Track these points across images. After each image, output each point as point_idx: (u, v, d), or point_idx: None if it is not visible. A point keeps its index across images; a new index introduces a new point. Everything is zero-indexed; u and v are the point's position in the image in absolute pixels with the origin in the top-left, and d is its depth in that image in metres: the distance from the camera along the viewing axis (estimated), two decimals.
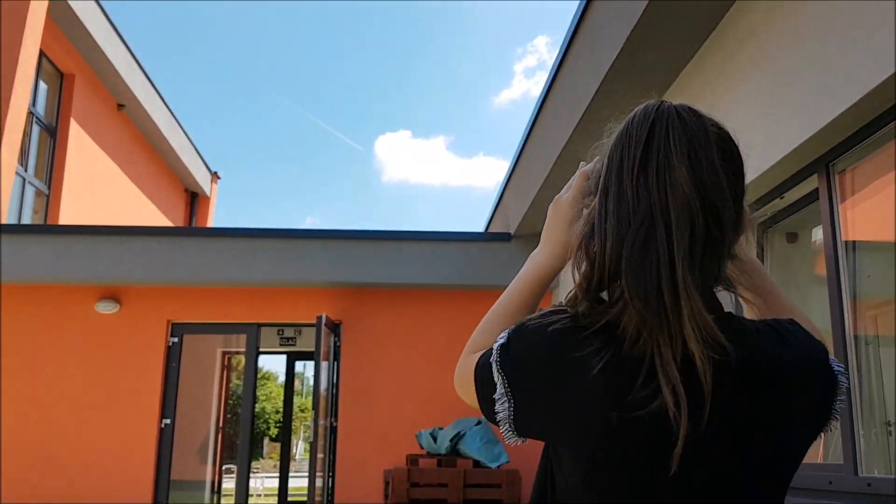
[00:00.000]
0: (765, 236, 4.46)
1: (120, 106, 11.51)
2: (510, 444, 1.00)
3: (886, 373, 3.69)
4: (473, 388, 1.01)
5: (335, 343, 8.59)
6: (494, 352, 0.97)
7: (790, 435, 0.89)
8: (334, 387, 8.48)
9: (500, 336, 0.98)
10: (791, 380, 0.90)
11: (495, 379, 0.96)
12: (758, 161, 3.78)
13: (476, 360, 1.02)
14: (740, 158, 0.96)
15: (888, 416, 3.53)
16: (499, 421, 0.96)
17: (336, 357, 8.57)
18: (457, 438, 7.32)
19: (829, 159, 3.59)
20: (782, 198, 4.05)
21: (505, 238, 8.54)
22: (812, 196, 3.86)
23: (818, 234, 3.98)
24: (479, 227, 10.06)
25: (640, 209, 0.87)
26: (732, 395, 0.87)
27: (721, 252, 0.90)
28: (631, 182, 0.89)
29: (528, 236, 8.40)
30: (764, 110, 3.78)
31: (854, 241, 3.59)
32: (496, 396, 0.95)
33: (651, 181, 0.87)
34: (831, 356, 0.98)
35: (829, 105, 3.24)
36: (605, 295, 0.94)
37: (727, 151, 0.93)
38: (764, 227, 4.40)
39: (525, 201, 7.51)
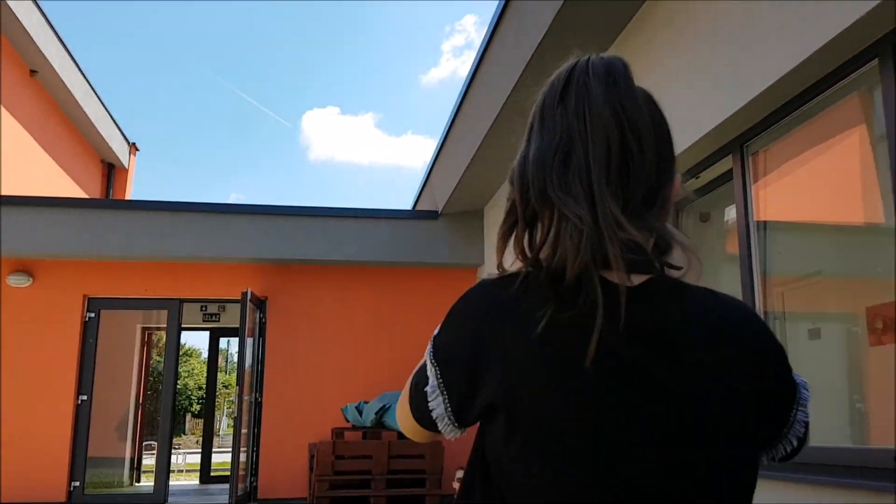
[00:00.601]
0: (679, 216, 4.62)
1: (33, 72, 11.01)
2: (449, 440, 0.94)
3: (793, 347, 3.90)
4: (408, 399, 0.97)
5: (260, 319, 8.52)
6: (428, 346, 0.93)
7: (719, 404, 0.84)
8: (259, 363, 8.43)
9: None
10: (726, 345, 0.88)
11: (428, 372, 0.91)
12: (675, 143, 3.91)
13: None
14: (661, 110, 1.00)
15: None
16: (436, 418, 0.90)
17: (262, 333, 8.50)
18: (382, 411, 7.40)
19: (743, 140, 3.75)
20: (697, 178, 4.21)
21: (432, 216, 8.59)
22: (726, 177, 4.03)
23: (730, 213, 4.16)
24: (407, 205, 10.08)
25: (559, 132, 0.91)
26: (663, 357, 0.85)
27: (641, 172, 0.90)
28: (552, 114, 0.93)
29: (454, 214, 8.48)
30: (681, 93, 3.91)
31: (765, 221, 3.76)
32: (428, 389, 0.90)
33: (570, 108, 0.91)
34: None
35: (743, 89, 3.39)
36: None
37: (648, 97, 0.98)
38: (678, 208, 4.56)
39: (452, 180, 7.56)
